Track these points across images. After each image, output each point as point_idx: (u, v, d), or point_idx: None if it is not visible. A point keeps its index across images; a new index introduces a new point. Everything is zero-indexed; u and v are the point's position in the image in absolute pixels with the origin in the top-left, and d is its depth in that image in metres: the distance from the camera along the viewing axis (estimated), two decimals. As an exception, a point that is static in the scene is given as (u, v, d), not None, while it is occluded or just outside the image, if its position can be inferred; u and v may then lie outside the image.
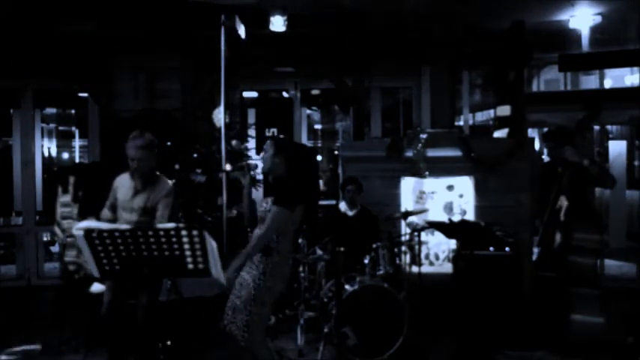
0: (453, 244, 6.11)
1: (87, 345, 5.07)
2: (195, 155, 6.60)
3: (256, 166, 6.36)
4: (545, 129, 7.39)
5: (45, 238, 8.51)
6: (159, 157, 4.36)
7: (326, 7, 6.89)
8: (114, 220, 4.26)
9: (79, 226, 3.15)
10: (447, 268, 6.13)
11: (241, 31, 5.37)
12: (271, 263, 3.72)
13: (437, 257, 6.37)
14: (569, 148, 4.62)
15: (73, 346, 5.19)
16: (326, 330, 4.87)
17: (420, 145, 6.21)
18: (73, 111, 12.41)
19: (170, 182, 4.35)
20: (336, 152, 10.64)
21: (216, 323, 4.20)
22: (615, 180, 4.83)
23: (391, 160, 6.32)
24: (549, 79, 10.37)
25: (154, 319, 4.18)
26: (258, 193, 7.55)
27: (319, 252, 5.33)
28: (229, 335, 3.74)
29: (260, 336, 3.74)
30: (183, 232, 2.83)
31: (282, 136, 7.93)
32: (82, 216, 6.35)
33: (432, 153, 6.23)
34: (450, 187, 6.37)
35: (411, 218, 5.71)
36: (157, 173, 4.34)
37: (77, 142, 12.93)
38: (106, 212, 4.37)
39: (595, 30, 7.64)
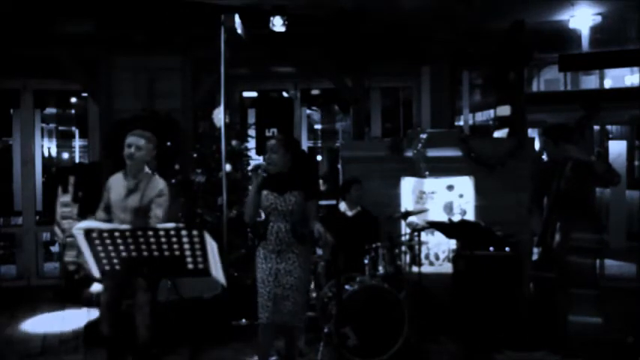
0: (453, 244, 6.11)
1: (86, 345, 5.07)
2: (195, 155, 6.61)
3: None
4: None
5: (45, 238, 8.50)
6: (159, 157, 4.36)
7: (326, 7, 6.89)
8: (109, 221, 4.23)
9: (79, 226, 3.15)
10: (447, 268, 6.13)
11: (241, 31, 5.37)
12: (306, 250, 4.13)
13: (437, 257, 6.37)
14: (570, 145, 4.57)
15: (72, 346, 5.20)
16: (326, 330, 4.87)
17: (420, 145, 6.21)
18: (73, 111, 12.43)
19: (163, 181, 4.30)
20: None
21: (217, 323, 4.20)
22: (620, 176, 4.77)
23: (391, 160, 6.33)
24: (549, 79, 10.38)
25: (153, 318, 4.18)
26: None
27: (319, 252, 5.32)
28: (230, 334, 3.77)
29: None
30: (183, 232, 2.83)
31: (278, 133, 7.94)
32: (82, 216, 6.37)
33: (432, 153, 6.23)
34: (450, 187, 6.37)
35: (411, 218, 5.71)
36: (149, 171, 4.30)
37: (77, 142, 12.95)
38: (100, 214, 4.32)
39: (595, 30, 7.64)
